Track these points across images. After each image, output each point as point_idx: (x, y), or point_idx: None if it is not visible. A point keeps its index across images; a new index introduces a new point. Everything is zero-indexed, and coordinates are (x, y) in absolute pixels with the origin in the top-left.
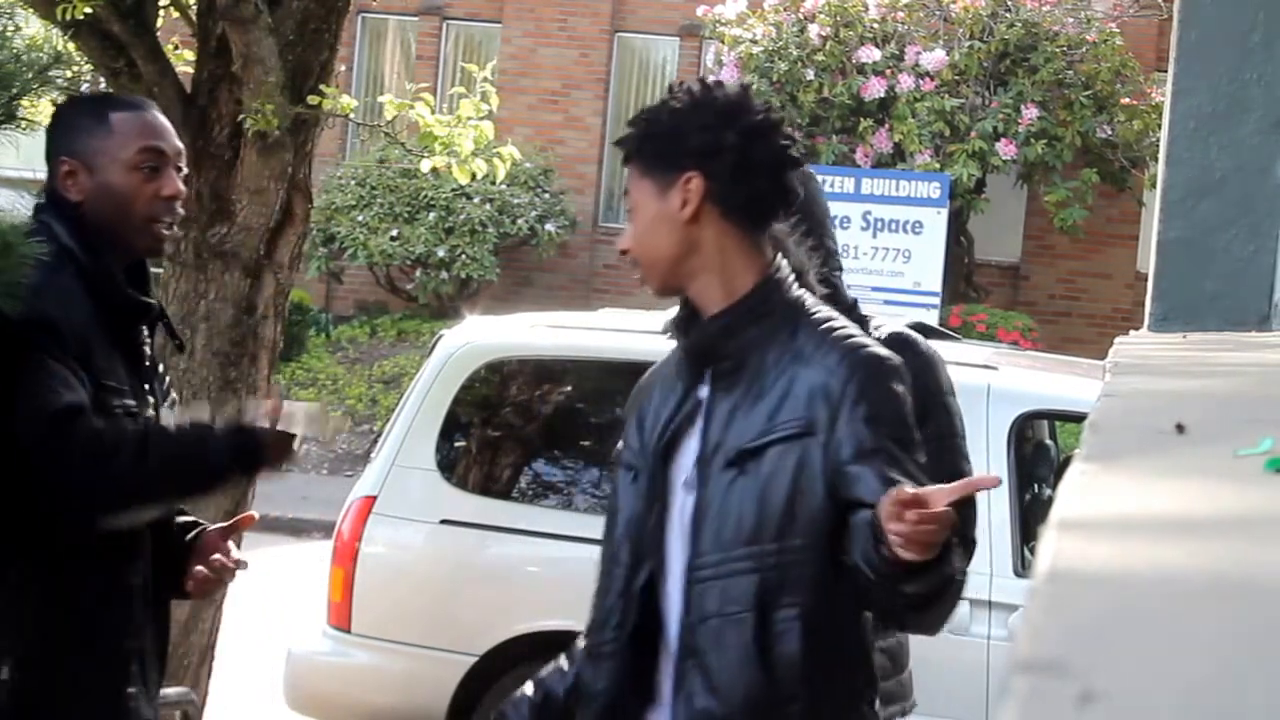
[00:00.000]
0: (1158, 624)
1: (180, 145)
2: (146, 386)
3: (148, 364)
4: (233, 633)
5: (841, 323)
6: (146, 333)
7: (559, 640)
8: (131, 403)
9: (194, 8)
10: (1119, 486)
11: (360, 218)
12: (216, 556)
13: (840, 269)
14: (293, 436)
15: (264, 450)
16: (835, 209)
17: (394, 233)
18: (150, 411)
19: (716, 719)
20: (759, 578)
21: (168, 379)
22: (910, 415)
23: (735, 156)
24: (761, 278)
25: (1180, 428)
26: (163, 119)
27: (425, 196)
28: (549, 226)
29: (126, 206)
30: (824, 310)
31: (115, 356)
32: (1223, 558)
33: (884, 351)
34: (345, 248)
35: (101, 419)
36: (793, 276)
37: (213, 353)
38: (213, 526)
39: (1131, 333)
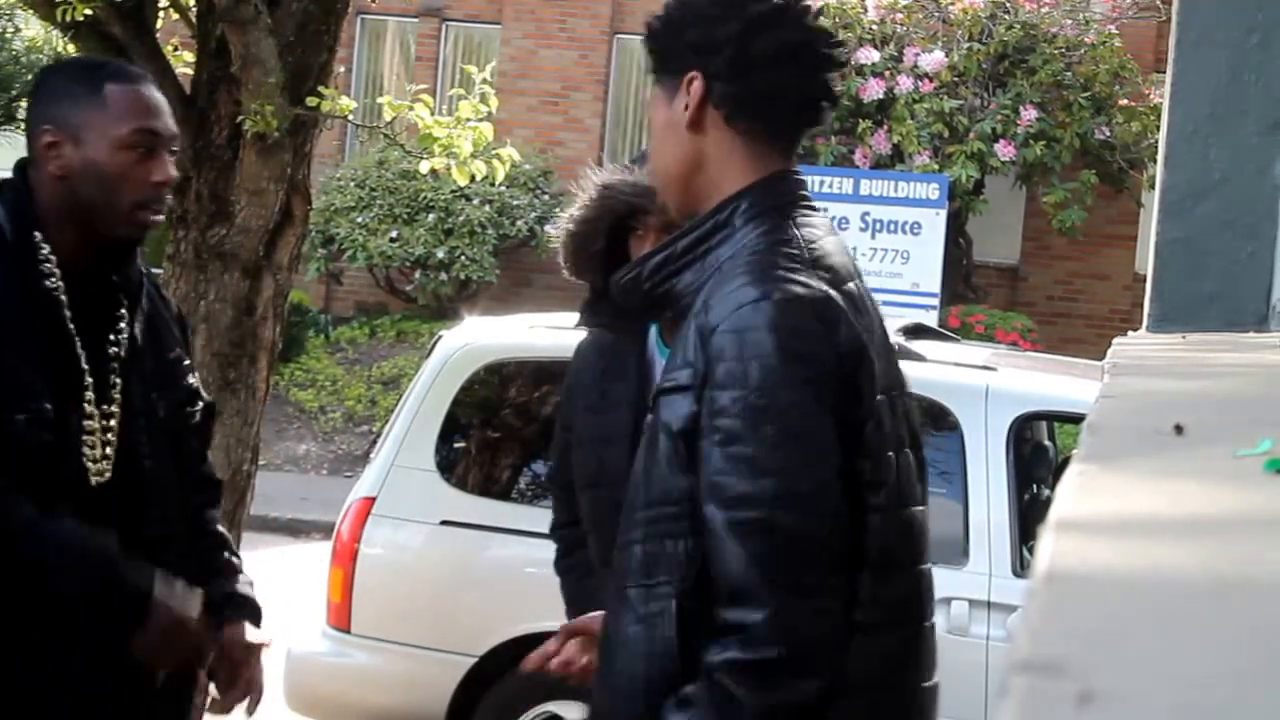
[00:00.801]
0: (1156, 624)
1: (175, 128)
2: (108, 380)
3: (117, 353)
4: None
5: (773, 258)
6: (126, 318)
7: None
8: (46, 406)
9: (194, 9)
10: (1117, 487)
11: (359, 219)
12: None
13: None
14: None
15: (148, 629)
16: (834, 210)
17: (393, 234)
18: (91, 408)
19: (600, 712)
20: (641, 549)
21: (182, 365)
22: (776, 380)
23: (733, 50)
24: (721, 201)
25: (1179, 429)
26: (160, 97)
27: (424, 198)
28: (548, 228)
29: (114, 188)
30: (774, 243)
31: (34, 350)
32: (1222, 558)
33: (785, 293)
34: (344, 249)
35: None
36: (775, 204)
37: (212, 354)
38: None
39: (1130, 333)
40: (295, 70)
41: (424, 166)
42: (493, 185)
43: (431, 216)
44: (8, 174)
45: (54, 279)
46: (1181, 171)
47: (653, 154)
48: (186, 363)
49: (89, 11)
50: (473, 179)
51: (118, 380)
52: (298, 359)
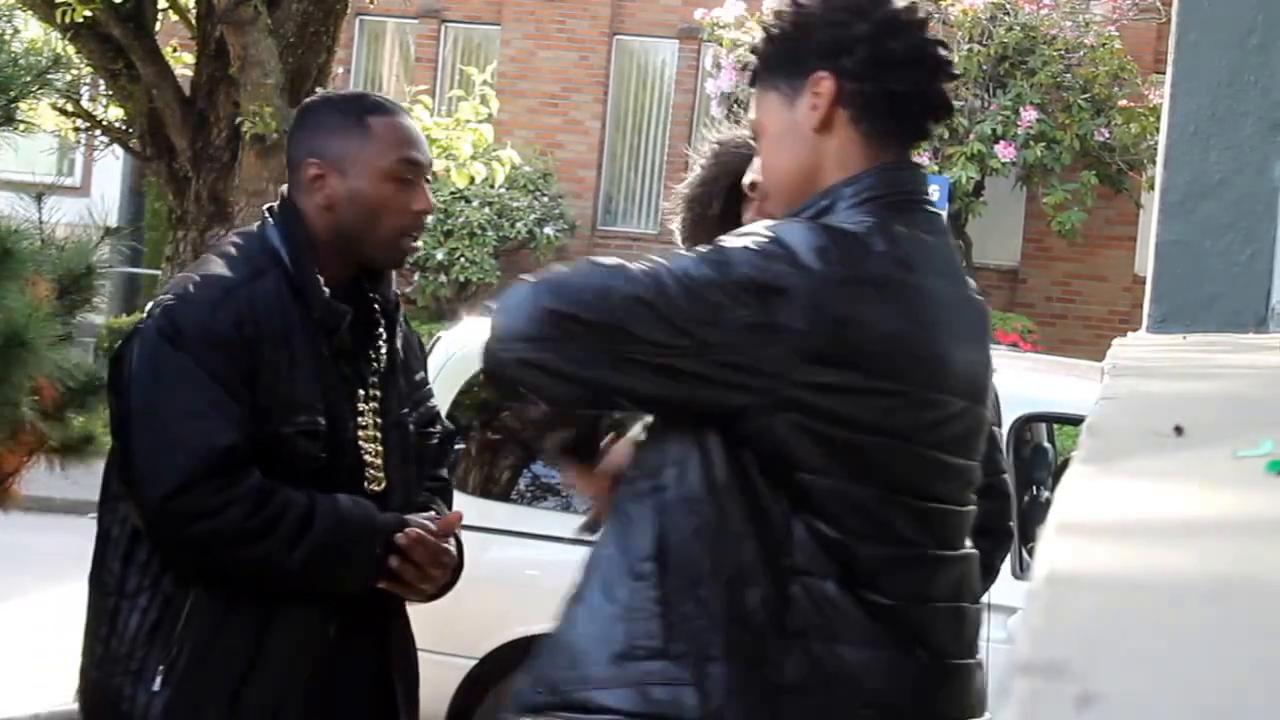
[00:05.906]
0: (1157, 626)
1: (431, 156)
2: (369, 394)
3: (377, 369)
4: None
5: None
6: (384, 336)
7: None
8: (319, 420)
9: (193, 11)
10: (1117, 489)
11: None
12: None
13: None
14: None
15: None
16: None
17: None
18: (363, 420)
19: None
20: None
21: (426, 387)
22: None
23: (868, 51)
24: (828, 187)
25: (1179, 430)
26: (417, 127)
27: None
28: (548, 230)
29: (377, 217)
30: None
31: (311, 369)
32: (1222, 559)
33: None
34: None
35: (262, 478)
36: (882, 194)
37: None
38: None
39: (1130, 335)
40: (294, 71)
41: None
42: (492, 187)
43: (430, 218)
44: (7, 176)
45: (327, 303)
46: (1181, 173)
47: (766, 158)
48: (429, 386)
49: (88, 13)
50: (472, 181)
51: (377, 394)
52: None
